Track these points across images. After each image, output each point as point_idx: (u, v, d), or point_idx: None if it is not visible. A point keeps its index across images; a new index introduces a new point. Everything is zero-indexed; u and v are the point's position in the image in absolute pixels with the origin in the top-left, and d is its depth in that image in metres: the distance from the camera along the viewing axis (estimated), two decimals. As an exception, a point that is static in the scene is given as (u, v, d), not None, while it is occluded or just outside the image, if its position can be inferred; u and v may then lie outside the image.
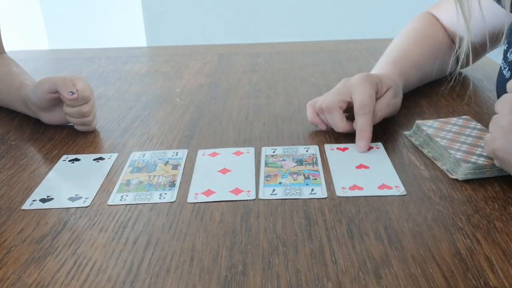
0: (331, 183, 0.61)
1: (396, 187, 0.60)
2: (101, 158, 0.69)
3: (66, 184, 0.64)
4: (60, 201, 0.59)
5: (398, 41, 0.91)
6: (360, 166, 0.65)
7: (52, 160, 0.70)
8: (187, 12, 2.34)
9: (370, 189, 0.60)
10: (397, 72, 0.81)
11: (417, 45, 0.90)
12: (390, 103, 0.73)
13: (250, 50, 1.20)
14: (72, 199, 0.60)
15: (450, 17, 0.91)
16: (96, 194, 0.61)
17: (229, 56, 1.15)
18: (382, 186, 0.60)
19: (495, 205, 0.56)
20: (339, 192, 0.59)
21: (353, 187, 0.60)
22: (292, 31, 2.30)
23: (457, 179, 0.60)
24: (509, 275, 0.45)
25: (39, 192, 0.62)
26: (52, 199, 0.60)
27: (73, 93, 0.74)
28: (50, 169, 0.67)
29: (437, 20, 0.93)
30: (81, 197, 0.60)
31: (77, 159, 0.69)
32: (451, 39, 0.92)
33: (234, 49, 1.22)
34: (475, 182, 0.60)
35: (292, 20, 2.34)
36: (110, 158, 0.69)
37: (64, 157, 0.70)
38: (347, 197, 0.58)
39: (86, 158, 0.70)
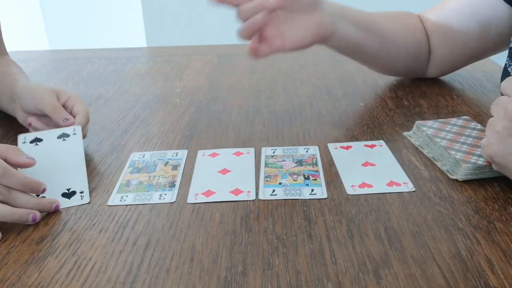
0: (339, 182, 0.61)
1: (405, 184, 0.60)
2: (65, 134, 0.66)
3: (51, 179, 0.60)
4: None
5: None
6: (366, 164, 0.65)
7: (52, 161, 0.69)
8: (187, 12, 2.34)
9: (379, 187, 0.60)
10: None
11: (385, 16, 0.87)
12: None
13: (250, 50, 1.20)
14: (65, 195, 0.60)
15: (439, 17, 0.88)
16: (89, 187, 0.61)
17: (229, 56, 1.15)
18: (390, 183, 0.60)
19: (495, 205, 0.56)
20: (349, 191, 0.59)
21: (362, 185, 0.60)
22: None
23: (457, 180, 0.60)
24: (509, 275, 0.45)
25: None
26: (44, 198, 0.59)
27: (67, 119, 0.68)
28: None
29: (421, 20, 0.90)
30: (75, 192, 0.60)
31: (38, 139, 0.65)
32: (428, 40, 0.89)
33: (234, 49, 1.22)
34: (475, 183, 0.60)
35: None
36: (75, 134, 0.66)
37: (21, 137, 0.65)
38: (348, 198, 0.58)
39: (48, 136, 0.66)
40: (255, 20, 0.67)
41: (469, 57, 0.89)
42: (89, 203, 0.59)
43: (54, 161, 0.64)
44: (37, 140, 0.65)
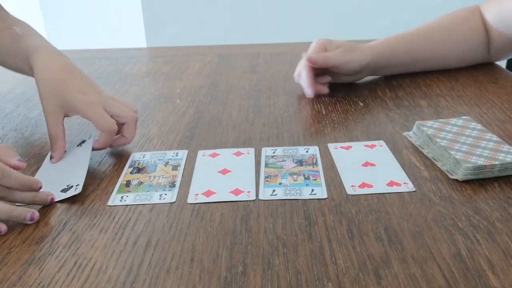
0: (339, 182, 0.61)
1: (405, 184, 0.60)
2: (82, 141, 0.71)
3: (56, 177, 0.64)
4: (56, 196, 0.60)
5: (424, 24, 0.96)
6: (366, 164, 0.65)
7: (52, 161, 0.70)
8: (187, 12, 2.34)
9: (380, 187, 0.60)
10: (380, 43, 0.93)
11: (433, 33, 0.95)
12: (337, 54, 0.88)
13: (250, 50, 1.20)
14: (64, 190, 0.61)
15: (495, 11, 0.93)
16: (85, 180, 0.62)
17: (229, 56, 1.15)
18: (391, 183, 0.60)
19: (495, 205, 0.56)
20: (349, 191, 0.59)
21: (363, 185, 0.60)
22: (292, 32, 2.30)
23: (457, 180, 0.60)
24: (509, 275, 0.45)
25: None
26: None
27: (53, 157, 0.68)
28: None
29: (481, 14, 0.95)
30: (72, 186, 0.61)
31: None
32: (488, 34, 0.94)
33: (234, 49, 1.22)
34: (475, 183, 0.60)
35: (292, 21, 2.34)
36: (90, 138, 0.70)
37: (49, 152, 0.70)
38: (348, 198, 0.58)
39: (72, 147, 0.70)
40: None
41: None
42: (80, 193, 0.60)
43: (65, 162, 0.67)
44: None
